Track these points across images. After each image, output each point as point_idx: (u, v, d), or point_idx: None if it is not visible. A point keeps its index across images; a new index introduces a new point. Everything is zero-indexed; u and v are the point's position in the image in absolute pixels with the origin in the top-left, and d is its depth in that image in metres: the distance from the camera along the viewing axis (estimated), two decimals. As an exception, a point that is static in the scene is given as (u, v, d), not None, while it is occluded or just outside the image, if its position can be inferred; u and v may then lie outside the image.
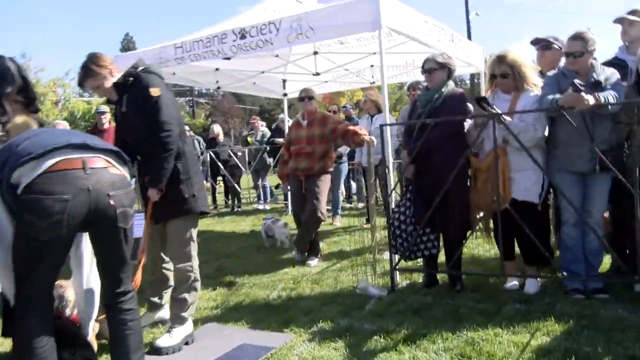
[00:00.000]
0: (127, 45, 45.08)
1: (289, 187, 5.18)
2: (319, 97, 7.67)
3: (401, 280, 4.06)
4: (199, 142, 10.75)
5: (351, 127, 4.75)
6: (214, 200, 10.81)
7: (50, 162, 2.02)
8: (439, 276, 3.96)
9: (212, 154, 10.07)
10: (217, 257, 5.54)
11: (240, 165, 10.14)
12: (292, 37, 4.49)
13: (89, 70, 3.02)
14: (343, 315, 3.35)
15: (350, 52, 6.74)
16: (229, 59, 5.28)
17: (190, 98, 44.30)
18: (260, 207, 9.99)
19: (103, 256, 2.31)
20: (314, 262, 4.91)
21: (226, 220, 8.61)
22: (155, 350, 2.94)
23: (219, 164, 9.99)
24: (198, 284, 3.22)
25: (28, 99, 2.69)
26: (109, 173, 2.19)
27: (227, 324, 3.37)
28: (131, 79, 3.05)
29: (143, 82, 3.01)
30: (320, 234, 5.97)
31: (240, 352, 2.89)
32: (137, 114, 3.00)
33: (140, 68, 3.08)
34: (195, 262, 3.18)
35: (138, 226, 3.54)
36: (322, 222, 4.99)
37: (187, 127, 10.58)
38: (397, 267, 3.93)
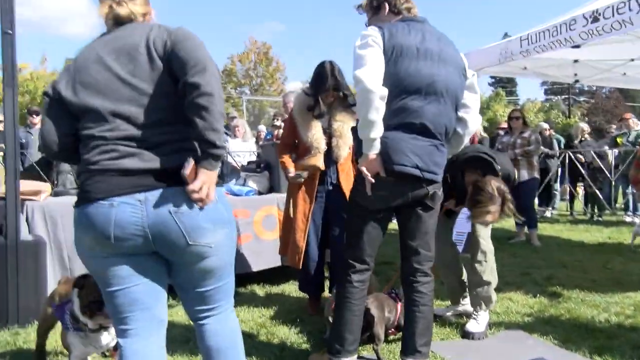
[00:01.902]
0: (505, 45, 44.91)
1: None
2: None
3: None
4: (558, 142, 9.96)
5: None
6: (571, 206, 9.87)
7: None
8: None
9: (571, 154, 9.19)
10: (552, 265, 5.10)
11: (604, 168, 8.88)
12: (658, 12, 3.69)
13: None
14: (686, 363, 2.62)
15: None
16: (578, 46, 4.73)
17: (567, 96, 40.99)
18: (628, 219, 8.55)
19: (407, 234, 2.49)
20: (673, 290, 3.95)
21: (578, 229, 7.74)
22: (467, 334, 3.07)
23: (579, 166, 9.05)
24: (495, 271, 3.24)
25: (343, 94, 3.16)
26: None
27: (532, 334, 3.12)
28: None
29: None
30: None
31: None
32: None
33: None
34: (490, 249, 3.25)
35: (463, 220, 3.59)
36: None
37: (546, 125, 10.00)
38: None
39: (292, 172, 3.45)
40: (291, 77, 58.63)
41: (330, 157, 3.42)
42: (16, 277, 3.24)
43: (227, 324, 1.85)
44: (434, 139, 2.32)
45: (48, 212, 3.69)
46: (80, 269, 3.57)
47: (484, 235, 3.19)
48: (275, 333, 3.13)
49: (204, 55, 1.55)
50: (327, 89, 3.31)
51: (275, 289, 4.22)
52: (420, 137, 2.28)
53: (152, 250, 1.65)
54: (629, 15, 3.92)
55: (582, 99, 42.07)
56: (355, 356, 2.48)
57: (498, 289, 3.87)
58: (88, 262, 1.68)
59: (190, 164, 1.55)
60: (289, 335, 3.10)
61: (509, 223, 7.35)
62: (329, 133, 3.41)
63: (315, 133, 3.36)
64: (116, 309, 1.68)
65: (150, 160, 1.58)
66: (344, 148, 3.39)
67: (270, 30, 68.65)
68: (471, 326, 3.09)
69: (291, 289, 4.15)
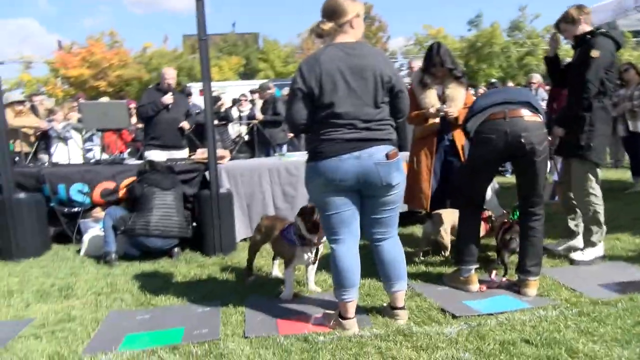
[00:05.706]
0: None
1: None
2: None
3: None
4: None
5: None
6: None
7: (487, 113, 3.11)
8: None
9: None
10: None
11: None
12: None
13: (567, 14, 3.77)
14: None
15: None
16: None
17: None
18: None
19: (521, 181, 3.23)
20: None
21: None
22: (573, 261, 3.76)
23: None
24: (600, 216, 3.77)
25: (449, 68, 4.03)
26: (523, 121, 3.03)
27: (635, 264, 3.68)
28: (588, 36, 3.68)
29: (591, 42, 3.61)
30: None
31: (629, 282, 3.29)
32: (579, 69, 3.66)
33: (600, 30, 3.68)
34: (594, 197, 3.74)
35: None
36: None
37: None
38: None
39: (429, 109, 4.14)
40: (394, 34, 57.90)
41: (445, 118, 4.16)
42: (219, 219, 4.44)
43: (395, 244, 2.81)
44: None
45: (230, 172, 4.87)
46: (255, 213, 4.74)
47: (591, 181, 3.75)
48: (410, 263, 4.00)
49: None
50: (435, 65, 4.07)
51: (405, 231, 5.08)
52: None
53: (357, 188, 2.61)
54: None
55: None
56: (477, 265, 3.33)
57: (607, 232, 4.39)
58: (316, 197, 2.69)
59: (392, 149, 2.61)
60: (423, 262, 3.97)
61: (626, 175, 7.49)
62: (443, 99, 4.16)
63: (431, 99, 4.13)
64: (331, 226, 2.67)
65: (361, 133, 2.54)
66: (456, 110, 4.10)
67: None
68: (577, 256, 3.76)
69: (419, 230, 4.97)
